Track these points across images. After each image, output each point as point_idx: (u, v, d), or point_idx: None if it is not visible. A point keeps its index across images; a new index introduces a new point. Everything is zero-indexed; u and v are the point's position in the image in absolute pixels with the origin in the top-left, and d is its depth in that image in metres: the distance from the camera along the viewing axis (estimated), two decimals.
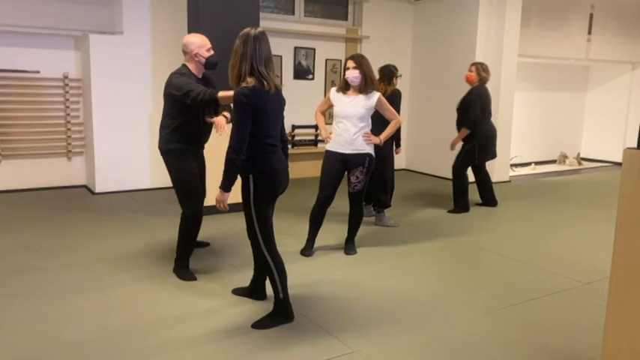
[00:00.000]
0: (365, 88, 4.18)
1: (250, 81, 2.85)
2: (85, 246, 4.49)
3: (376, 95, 4.22)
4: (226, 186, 2.95)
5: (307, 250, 4.40)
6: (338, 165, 4.26)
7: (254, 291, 3.46)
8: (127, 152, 6.59)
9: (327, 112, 4.68)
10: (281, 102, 3.08)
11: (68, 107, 6.50)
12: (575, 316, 3.37)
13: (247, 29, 2.94)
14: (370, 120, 4.31)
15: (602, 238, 5.03)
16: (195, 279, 3.78)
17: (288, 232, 4.98)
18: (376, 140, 4.27)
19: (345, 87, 4.28)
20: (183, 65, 3.83)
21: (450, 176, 6.20)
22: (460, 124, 5.94)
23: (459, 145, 6.09)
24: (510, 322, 3.26)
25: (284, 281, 3.09)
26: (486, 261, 4.43)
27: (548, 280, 3.98)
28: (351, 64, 4.18)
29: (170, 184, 6.73)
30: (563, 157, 10.00)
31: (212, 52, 3.82)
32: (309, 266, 4.12)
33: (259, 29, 2.96)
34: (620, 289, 2.29)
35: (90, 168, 6.57)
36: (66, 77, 6.43)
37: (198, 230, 3.94)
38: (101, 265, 4.04)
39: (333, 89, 4.40)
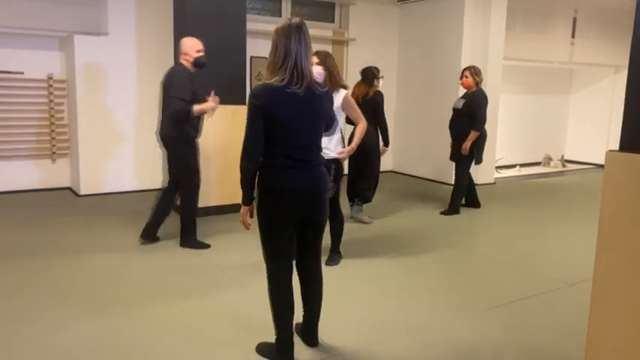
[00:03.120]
0: (329, 86, 3.91)
1: (277, 78, 2.44)
2: (70, 248, 4.44)
3: (342, 93, 4.02)
4: (243, 199, 2.59)
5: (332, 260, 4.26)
6: None
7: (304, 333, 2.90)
8: (112, 154, 6.53)
9: None
10: (315, 106, 2.53)
11: (52, 108, 6.43)
12: (559, 317, 3.40)
13: (286, 20, 2.54)
14: (339, 120, 3.99)
15: (587, 239, 5.08)
16: (208, 245, 4.45)
17: None
18: (343, 156, 3.98)
19: None
20: (179, 63, 4.36)
21: (439, 179, 6.22)
22: (462, 126, 5.93)
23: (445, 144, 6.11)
24: (495, 324, 3.28)
25: (279, 318, 2.66)
26: (472, 262, 4.46)
27: (533, 282, 4.02)
28: (314, 59, 3.91)
29: (156, 186, 6.69)
30: (548, 159, 10.10)
31: (202, 54, 4.31)
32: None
33: (299, 19, 2.54)
34: (603, 289, 2.32)
35: (74, 170, 6.51)
36: (50, 78, 6.36)
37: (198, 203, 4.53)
38: (88, 268, 4.00)
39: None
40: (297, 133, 2.49)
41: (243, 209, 2.62)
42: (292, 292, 2.69)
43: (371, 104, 5.25)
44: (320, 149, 2.63)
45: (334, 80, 3.95)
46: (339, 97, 3.98)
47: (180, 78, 4.23)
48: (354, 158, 4.97)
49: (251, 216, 2.65)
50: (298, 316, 2.79)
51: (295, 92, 2.43)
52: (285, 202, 2.52)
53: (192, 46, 4.30)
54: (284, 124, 2.46)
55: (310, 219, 2.62)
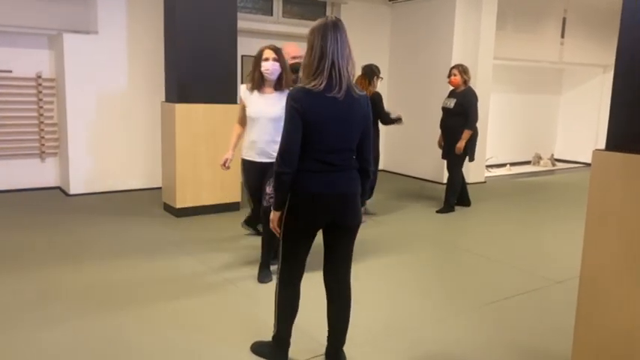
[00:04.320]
0: (281, 83, 3.71)
1: (315, 82, 2.34)
2: (61, 249, 4.41)
3: None
4: (275, 204, 2.47)
5: (266, 277, 3.82)
6: (259, 176, 3.72)
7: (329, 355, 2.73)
8: (102, 153, 6.50)
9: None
10: (355, 110, 2.42)
11: (42, 107, 6.39)
12: (547, 315, 3.43)
13: (322, 19, 2.42)
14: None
15: (575, 237, 5.12)
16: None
17: None
18: None
19: (259, 83, 3.73)
20: None
21: (431, 178, 6.25)
22: (455, 125, 5.94)
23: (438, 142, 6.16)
24: (483, 322, 3.30)
25: (282, 319, 2.64)
26: (461, 260, 4.48)
27: (523, 279, 4.05)
28: (270, 54, 3.66)
29: (146, 186, 6.67)
30: (538, 158, 10.17)
31: (296, 60, 4.11)
32: None
33: (335, 17, 2.44)
34: (589, 287, 2.34)
35: (64, 169, 6.47)
36: (39, 77, 6.31)
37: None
38: (78, 268, 3.98)
39: (243, 86, 3.85)
40: (334, 138, 2.40)
41: (275, 215, 2.50)
42: (299, 296, 2.64)
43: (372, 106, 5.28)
44: (354, 153, 2.51)
45: (288, 78, 3.73)
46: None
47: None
48: None
49: (280, 221, 2.51)
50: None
51: (336, 97, 2.34)
52: (317, 207, 2.43)
53: (288, 53, 4.15)
54: (323, 128, 2.37)
55: (340, 224, 2.50)
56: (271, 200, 3.02)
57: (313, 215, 2.44)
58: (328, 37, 2.33)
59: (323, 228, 2.52)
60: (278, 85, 3.72)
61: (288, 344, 2.69)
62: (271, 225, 2.54)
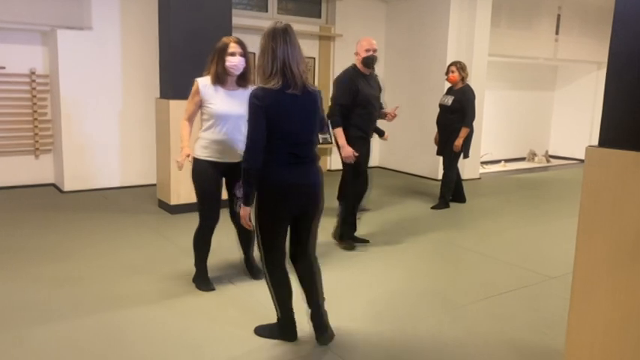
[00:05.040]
0: (246, 79, 3.47)
1: (273, 82, 2.53)
2: (56, 246, 4.40)
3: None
4: (245, 199, 2.62)
5: (207, 284, 3.60)
6: (221, 177, 3.50)
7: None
8: (97, 150, 6.47)
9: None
10: (312, 104, 2.65)
11: (35, 104, 6.35)
12: (541, 310, 3.45)
13: (272, 24, 2.59)
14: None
15: (569, 233, 5.15)
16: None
17: None
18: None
19: (221, 79, 3.42)
20: (353, 65, 4.49)
21: (425, 174, 6.26)
22: (452, 123, 5.94)
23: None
24: (478, 317, 3.32)
25: (281, 301, 2.81)
26: (456, 256, 4.50)
27: (516, 275, 4.07)
28: (237, 48, 3.36)
29: (140, 182, 6.65)
30: (532, 155, 10.21)
31: (370, 53, 4.35)
32: None
33: (285, 23, 2.61)
34: (582, 282, 2.36)
35: (58, 166, 6.45)
36: (33, 73, 6.28)
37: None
38: (73, 265, 3.97)
39: (202, 80, 3.46)
40: (297, 132, 2.60)
41: (245, 210, 2.65)
42: (288, 275, 2.81)
43: None
44: (316, 146, 2.75)
45: (249, 75, 3.50)
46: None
47: (339, 83, 4.41)
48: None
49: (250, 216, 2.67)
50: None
51: (295, 94, 2.56)
52: (287, 197, 2.63)
53: (363, 46, 4.36)
54: (285, 123, 2.56)
55: (306, 212, 2.73)
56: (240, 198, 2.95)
57: (288, 205, 2.65)
58: (279, 41, 2.54)
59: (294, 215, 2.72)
60: (242, 81, 3.45)
61: (294, 322, 2.86)
62: (243, 221, 2.69)
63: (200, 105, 3.44)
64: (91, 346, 2.80)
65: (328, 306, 2.93)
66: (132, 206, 5.78)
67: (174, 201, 5.46)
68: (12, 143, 6.29)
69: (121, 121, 6.57)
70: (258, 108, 2.51)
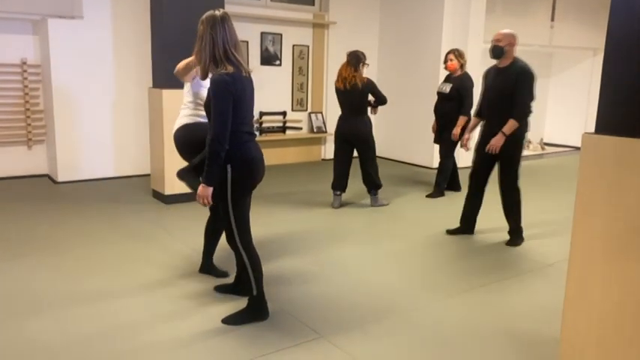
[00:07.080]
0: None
1: (229, 67, 2.68)
2: (50, 237, 4.38)
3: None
4: (210, 179, 2.74)
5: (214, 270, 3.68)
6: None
7: (238, 288, 3.27)
8: (90, 140, 6.43)
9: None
10: (253, 88, 2.90)
11: (27, 94, 6.29)
12: (537, 297, 3.46)
13: (210, 12, 2.74)
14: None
15: (564, 220, 5.17)
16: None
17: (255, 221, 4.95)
18: None
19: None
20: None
21: (421, 163, 6.24)
22: (450, 111, 5.92)
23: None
24: (474, 304, 3.32)
25: (258, 277, 2.96)
26: (450, 244, 4.50)
27: (512, 262, 4.08)
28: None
29: (134, 172, 6.60)
30: (527, 143, 10.17)
31: (493, 43, 4.64)
32: (276, 253, 4.11)
33: (222, 10, 2.76)
34: (578, 269, 2.36)
35: (52, 157, 6.40)
36: (24, 63, 6.21)
37: None
38: (67, 256, 3.95)
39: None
40: (251, 112, 2.88)
41: (208, 190, 2.76)
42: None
43: (359, 94, 5.29)
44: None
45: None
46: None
47: (533, 79, 4.54)
48: (357, 149, 5.40)
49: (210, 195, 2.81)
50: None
51: (248, 77, 2.80)
52: (255, 171, 2.86)
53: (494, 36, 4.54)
54: (245, 104, 2.78)
55: (258, 183, 2.96)
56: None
57: (256, 177, 2.89)
58: (217, 28, 2.68)
59: None
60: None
61: (265, 299, 3.04)
62: (203, 200, 2.76)
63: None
64: (86, 336, 2.79)
65: (323, 300, 2.91)
66: (126, 196, 5.75)
67: (168, 191, 5.43)
68: (4, 134, 6.23)
69: (114, 111, 6.51)
70: (229, 93, 2.66)
